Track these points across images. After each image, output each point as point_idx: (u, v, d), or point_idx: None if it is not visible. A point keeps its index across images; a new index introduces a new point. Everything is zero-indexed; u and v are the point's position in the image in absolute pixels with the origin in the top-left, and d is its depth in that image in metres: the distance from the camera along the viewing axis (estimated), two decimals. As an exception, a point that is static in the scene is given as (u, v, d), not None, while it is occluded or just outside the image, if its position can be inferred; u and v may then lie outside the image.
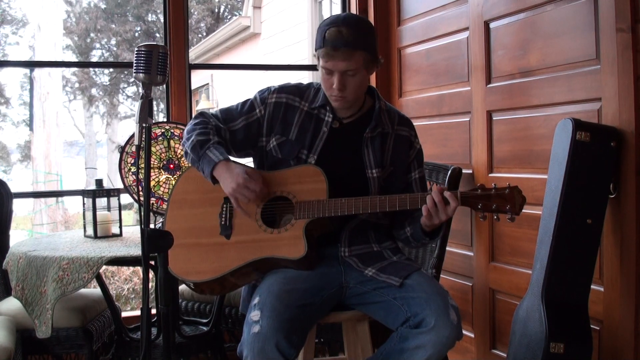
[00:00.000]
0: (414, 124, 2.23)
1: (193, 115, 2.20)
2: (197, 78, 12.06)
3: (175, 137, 2.79)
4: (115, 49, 14.38)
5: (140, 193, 1.87)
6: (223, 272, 2.04)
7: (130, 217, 10.33)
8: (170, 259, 1.99)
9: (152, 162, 2.74)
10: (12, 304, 2.69)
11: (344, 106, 2.08)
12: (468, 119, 2.91)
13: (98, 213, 2.72)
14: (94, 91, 14.53)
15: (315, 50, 2.03)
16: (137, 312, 3.37)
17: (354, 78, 2.00)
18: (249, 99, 2.18)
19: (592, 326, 2.18)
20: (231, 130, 2.14)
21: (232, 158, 2.14)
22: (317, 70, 2.07)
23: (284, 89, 2.16)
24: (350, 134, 2.12)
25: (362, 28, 2.00)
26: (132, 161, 2.73)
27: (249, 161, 2.22)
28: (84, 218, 2.78)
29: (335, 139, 2.11)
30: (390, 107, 2.21)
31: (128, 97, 14.97)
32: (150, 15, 14.67)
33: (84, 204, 2.77)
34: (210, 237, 2.08)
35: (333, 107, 2.11)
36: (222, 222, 2.08)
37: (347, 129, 2.12)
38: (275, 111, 2.12)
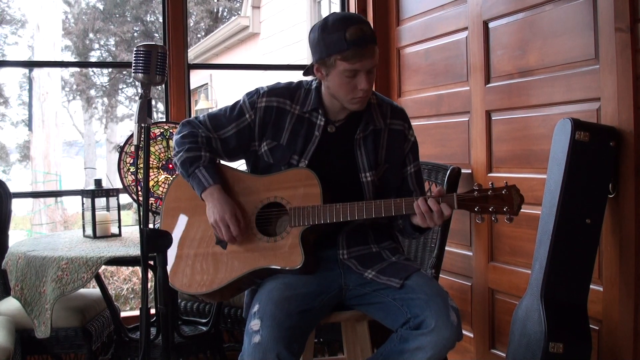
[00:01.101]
0: (414, 124, 2.21)
1: (181, 123, 2.13)
2: (196, 78, 12.06)
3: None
4: (113, 49, 14.37)
5: (139, 193, 1.87)
6: (222, 284, 2.01)
7: (129, 217, 10.32)
8: (169, 272, 1.98)
9: (151, 162, 2.74)
10: (11, 304, 2.69)
11: (364, 105, 2.02)
12: (467, 119, 2.91)
13: (97, 213, 2.72)
14: (92, 92, 14.51)
15: (329, 56, 1.91)
16: (136, 312, 3.37)
17: (374, 74, 1.98)
18: (237, 103, 2.10)
19: (591, 326, 2.18)
20: (222, 138, 2.08)
21: (226, 163, 2.12)
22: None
23: (273, 91, 2.09)
24: (342, 136, 2.06)
25: (368, 21, 1.98)
26: (131, 161, 2.73)
27: (241, 164, 2.19)
28: (83, 218, 2.78)
29: (327, 142, 2.05)
30: (382, 99, 2.14)
31: (127, 97, 14.97)
32: (149, 15, 14.65)
33: (83, 204, 2.77)
34: (206, 247, 2.06)
35: (326, 110, 2.05)
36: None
37: (339, 131, 2.07)
38: (266, 115, 2.06)
